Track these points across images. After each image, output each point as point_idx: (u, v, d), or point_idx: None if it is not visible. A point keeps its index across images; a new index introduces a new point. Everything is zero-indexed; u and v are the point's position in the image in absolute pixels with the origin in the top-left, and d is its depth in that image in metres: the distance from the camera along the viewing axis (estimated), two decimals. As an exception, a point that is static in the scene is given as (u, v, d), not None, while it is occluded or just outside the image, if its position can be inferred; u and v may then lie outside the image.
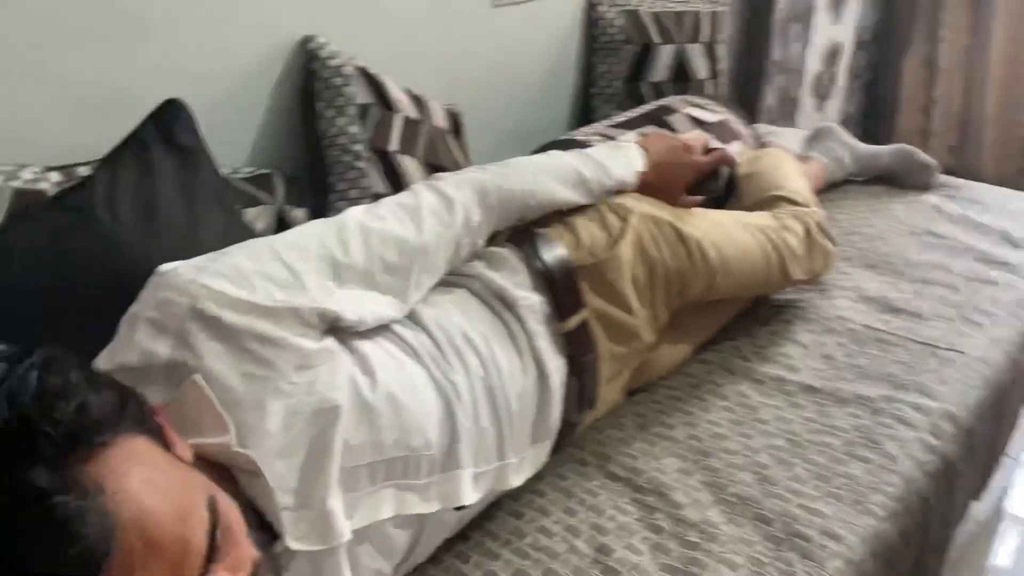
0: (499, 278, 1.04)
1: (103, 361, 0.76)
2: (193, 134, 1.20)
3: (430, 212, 0.96)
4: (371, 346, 0.88)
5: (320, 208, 1.41)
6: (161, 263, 0.80)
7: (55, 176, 1.17)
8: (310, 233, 0.89)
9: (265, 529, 0.74)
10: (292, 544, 0.75)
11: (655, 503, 1.05)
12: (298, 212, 1.39)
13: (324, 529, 0.77)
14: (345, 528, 0.78)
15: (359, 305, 0.87)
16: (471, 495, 0.91)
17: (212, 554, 0.60)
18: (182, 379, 0.74)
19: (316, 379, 0.79)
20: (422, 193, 0.99)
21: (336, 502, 0.78)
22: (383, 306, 0.90)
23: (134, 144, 1.15)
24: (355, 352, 0.86)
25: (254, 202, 1.35)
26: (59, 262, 1.03)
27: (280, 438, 0.76)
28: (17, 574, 0.51)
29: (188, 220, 1.13)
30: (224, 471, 0.74)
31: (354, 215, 0.93)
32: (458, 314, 0.99)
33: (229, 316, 0.76)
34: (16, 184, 1.12)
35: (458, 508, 0.92)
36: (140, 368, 0.75)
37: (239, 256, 0.81)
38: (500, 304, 1.02)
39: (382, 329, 0.91)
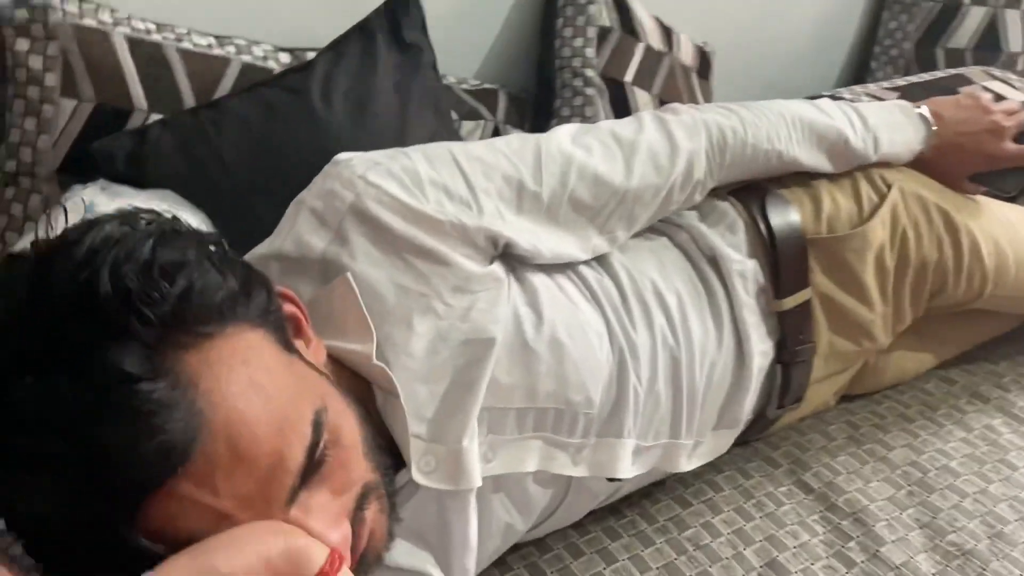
0: (712, 234, 0.89)
1: (264, 246, 0.73)
2: (420, 32, 1.15)
3: (647, 154, 0.83)
4: (544, 281, 0.78)
5: (539, 132, 1.32)
6: None
7: (284, 57, 1.17)
8: (503, 149, 0.78)
9: (392, 456, 0.67)
10: (417, 478, 0.68)
11: (850, 529, 0.88)
12: (515, 132, 1.31)
13: (455, 469, 0.69)
14: (477, 472, 0.70)
15: (534, 236, 0.77)
16: (628, 469, 0.80)
17: (309, 472, 0.54)
18: (335, 277, 0.69)
19: (473, 306, 0.71)
20: (646, 127, 0.85)
21: (473, 443, 0.70)
22: (563, 244, 0.79)
23: (361, 34, 1.12)
24: (525, 285, 0.77)
25: (473, 115, 1.29)
26: (267, 138, 1.04)
27: (424, 362, 0.69)
28: (91, 454, 0.47)
29: (399, 120, 1.09)
30: (360, 383, 0.68)
31: (559, 138, 0.81)
32: (654, 265, 0.86)
33: (391, 220, 0.69)
34: (246, 59, 1.13)
35: (612, 480, 0.81)
36: (295, 258, 0.70)
37: (419, 158, 0.74)
38: (707, 264, 0.88)
39: (562, 266, 0.81)
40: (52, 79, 1.02)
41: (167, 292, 0.50)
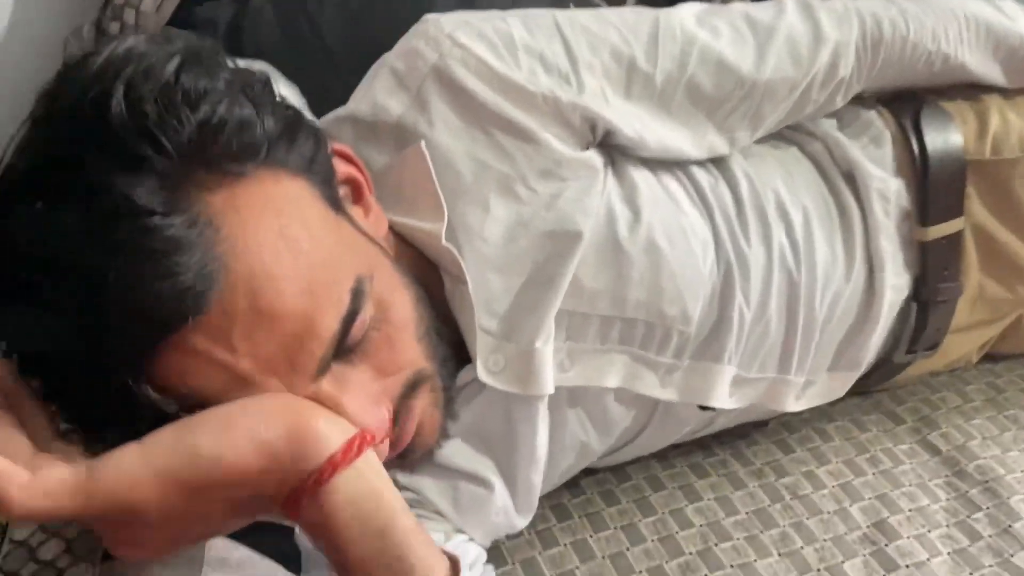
0: (852, 146, 0.77)
1: (341, 108, 0.66)
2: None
3: (785, 41, 0.71)
4: (647, 178, 0.68)
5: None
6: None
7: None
8: (614, 20, 0.68)
9: (456, 350, 0.60)
10: (483, 376, 0.61)
11: (980, 499, 0.76)
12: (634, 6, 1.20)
13: (524, 372, 0.61)
14: (549, 378, 0.62)
15: (640, 123, 0.67)
16: (725, 399, 0.70)
17: (346, 346, 0.47)
18: (409, 146, 0.62)
19: (561, 194, 0.63)
20: (787, 10, 0.73)
21: (548, 347, 0.62)
22: (674, 136, 0.69)
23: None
24: (623, 179, 0.67)
25: None
26: (368, 13, 0.97)
27: (500, 249, 0.62)
28: (95, 292, 0.41)
29: None
30: (427, 266, 0.62)
31: (682, 16, 0.70)
32: (780, 176, 0.75)
33: (476, 87, 0.61)
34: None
35: (704, 408, 0.72)
36: (369, 122, 0.64)
37: (516, 22, 0.65)
38: (842, 179, 0.76)
39: (670, 164, 0.71)
40: (159, -61, 0.99)
41: (187, 119, 0.43)
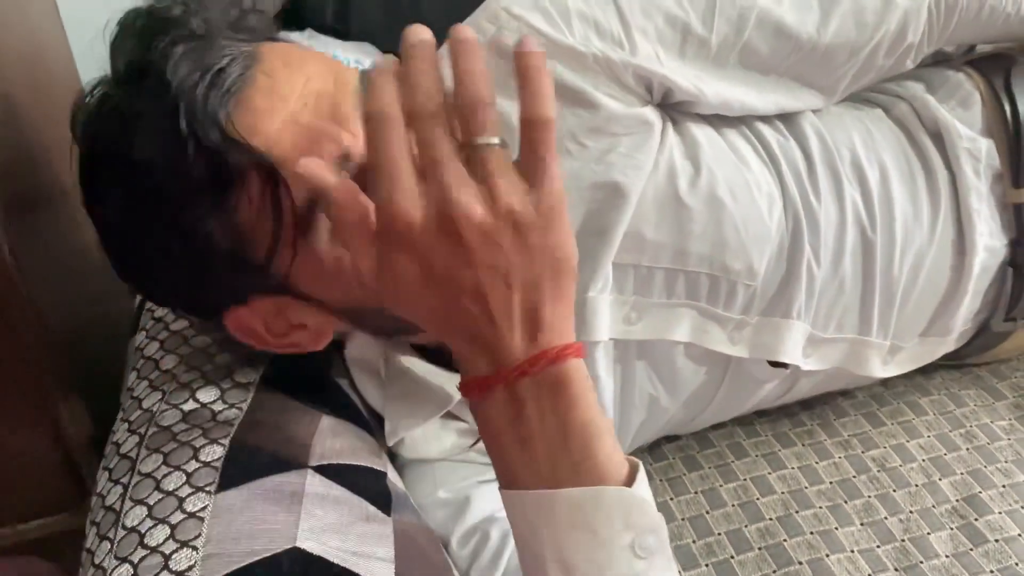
0: (941, 108, 0.75)
1: None
2: None
3: (851, 5, 0.69)
4: (710, 134, 0.69)
5: None
6: None
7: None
8: None
9: None
10: None
11: (1082, 480, 0.74)
12: None
13: (576, 320, 0.63)
14: (602, 327, 0.65)
15: (697, 79, 0.67)
16: (797, 355, 0.71)
17: None
18: None
19: (612, 149, 0.64)
20: None
21: (603, 296, 0.65)
22: (736, 91, 0.69)
23: None
24: (685, 136, 0.68)
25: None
26: (467, -6, 1.00)
27: None
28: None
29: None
30: None
31: None
32: (857, 133, 0.74)
33: None
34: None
35: (776, 365, 0.72)
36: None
37: None
38: (928, 138, 0.75)
39: (736, 120, 0.71)
40: (269, -73, 1.05)
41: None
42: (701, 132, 0.68)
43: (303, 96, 0.51)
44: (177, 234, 0.51)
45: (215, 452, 0.53)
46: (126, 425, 0.60)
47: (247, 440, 0.55)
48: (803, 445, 0.81)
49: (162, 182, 0.49)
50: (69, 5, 0.88)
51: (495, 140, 0.41)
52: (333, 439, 0.58)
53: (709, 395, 0.74)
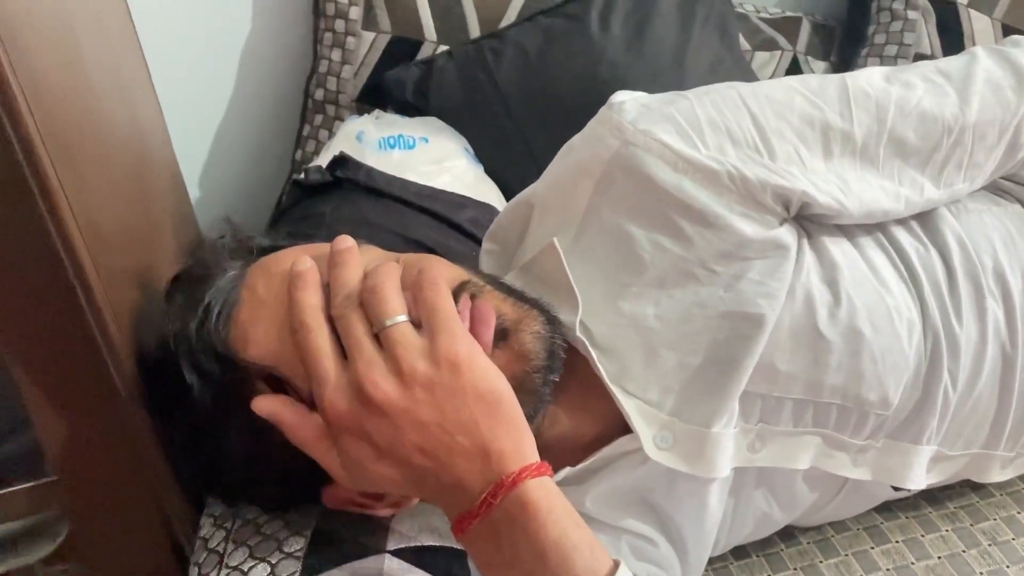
0: None
1: (531, 187, 0.69)
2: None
3: (985, 83, 0.66)
4: (848, 252, 0.64)
5: (845, 64, 1.18)
6: (640, 82, 0.70)
7: (570, -13, 1.15)
8: (797, 87, 0.65)
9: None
10: (649, 451, 0.60)
11: None
12: (818, 64, 1.18)
13: (694, 452, 0.61)
14: (723, 462, 0.61)
15: (843, 185, 0.63)
16: (921, 479, 0.66)
17: None
18: (591, 227, 0.63)
19: (743, 275, 0.60)
20: (980, 59, 0.68)
21: (727, 430, 0.61)
22: (879, 192, 0.64)
23: (647, -45, 1.06)
24: (822, 256, 0.63)
25: (770, 45, 1.18)
26: (543, 66, 1.03)
27: (675, 327, 0.61)
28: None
29: (678, 43, 1.03)
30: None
31: (868, 75, 0.67)
32: (999, 238, 0.68)
33: (658, 171, 0.60)
34: (531, -10, 1.13)
35: (897, 488, 0.69)
36: (555, 204, 0.66)
37: (702, 102, 0.63)
38: None
39: (873, 229, 0.67)
40: (356, 12, 1.10)
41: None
42: (838, 249, 0.64)
43: (279, 295, 0.54)
44: (224, 453, 0.56)
45: (298, 543, 0.55)
46: (211, 520, 0.62)
47: (328, 527, 0.57)
48: (906, 517, 0.76)
49: (200, 416, 0.55)
50: (165, 88, 0.94)
51: (399, 318, 0.47)
52: (412, 519, 0.59)
53: (821, 507, 0.71)
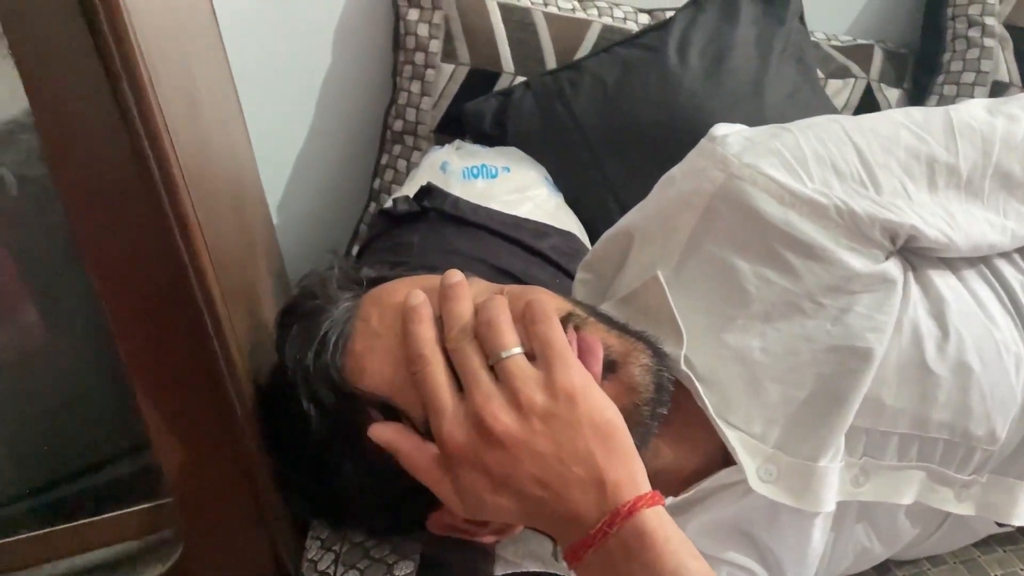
0: None
1: (630, 216, 0.69)
2: (787, -16, 1.08)
3: None
4: (954, 286, 0.64)
5: (920, 92, 1.17)
6: (718, 112, 0.69)
7: (643, 18, 1.17)
8: (902, 120, 0.65)
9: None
10: (754, 484, 0.60)
11: None
12: (892, 92, 1.18)
13: (799, 485, 0.60)
14: (828, 497, 0.60)
15: (949, 218, 0.63)
16: None
17: None
18: (691, 258, 0.64)
19: (850, 308, 0.60)
20: None
21: (833, 464, 0.60)
22: (984, 226, 0.64)
23: (722, -12, 1.08)
24: (929, 290, 0.63)
25: (842, 73, 1.18)
26: (620, 97, 1.04)
27: (781, 360, 0.61)
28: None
29: (756, 73, 1.03)
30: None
31: (970, 108, 0.67)
32: None
33: (764, 205, 0.61)
34: (607, 21, 1.15)
35: (1002, 524, 0.68)
36: (656, 235, 0.66)
37: (806, 135, 0.63)
38: None
39: (976, 262, 0.66)
40: (435, 45, 1.12)
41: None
42: (944, 282, 0.64)
43: (392, 326, 0.55)
44: (338, 480, 0.58)
45: (407, 567, 0.57)
46: (319, 543, 0.64)
47: (434, 552, 0.58)
48: (1004, 551, 0.75)
49: (315, 444, 0.57)
50: (251, 119, 0.97)
51: (514, 350, 0.49)
52: (514, 546, 0.60)
53: (922, 541, 0.70)
